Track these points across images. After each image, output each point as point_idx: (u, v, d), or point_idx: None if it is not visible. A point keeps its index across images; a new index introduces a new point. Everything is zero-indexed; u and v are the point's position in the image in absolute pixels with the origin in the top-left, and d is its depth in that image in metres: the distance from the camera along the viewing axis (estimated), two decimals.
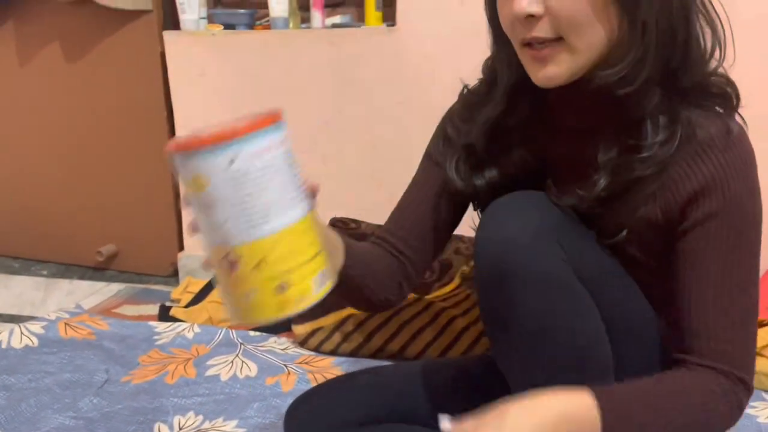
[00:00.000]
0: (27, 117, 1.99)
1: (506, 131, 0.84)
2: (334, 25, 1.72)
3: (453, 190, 0.88)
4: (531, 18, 0.71)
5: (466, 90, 0.90)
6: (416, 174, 0.94)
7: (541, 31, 0.71)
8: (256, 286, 0.56)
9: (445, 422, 0.69)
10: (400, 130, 1.68)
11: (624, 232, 0.77)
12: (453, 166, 0.87)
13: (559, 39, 0.72)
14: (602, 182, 0.76)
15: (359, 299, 0.89)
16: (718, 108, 0.76)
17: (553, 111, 0.82)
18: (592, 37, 0.71)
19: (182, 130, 1.82)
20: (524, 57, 0.76)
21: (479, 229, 0.78)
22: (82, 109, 1.93)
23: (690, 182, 0.73)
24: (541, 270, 0.73)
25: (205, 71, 1.76)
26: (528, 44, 0.74)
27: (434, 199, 0.91)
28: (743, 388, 0.74)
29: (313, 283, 0.58)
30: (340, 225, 1.63)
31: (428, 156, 0.93)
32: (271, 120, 0.56)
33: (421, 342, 1.37)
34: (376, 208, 1.60)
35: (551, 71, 0.73)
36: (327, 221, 1.63)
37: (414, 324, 1.37)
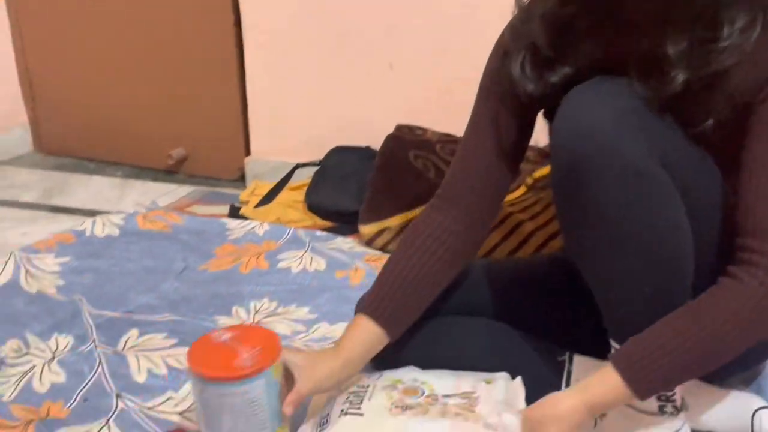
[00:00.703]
0: (99, 23, 2.02)
1: (569, 25, 0.79)
2: None
3: (521, 101, 0.84)
4: None
5: None
6: (472, 115, 0.90)
7: None
8: None
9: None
10: (467, 35, 1.64)
11: (710, 122, 0.74)
12: (519, 69, 0.83)
13: None
14: (680, 77, 0.71)
15: None
16: None
17: (621, 1, 0.78)
18: None
19: (250, 33, 1.83)
20: None
21: (557, 118, 0.76)
22: (153, 15, 1.95)
23: None
24: (624, 156, 0.71)
25: None
26: None
27: (495, 133, 0.87)
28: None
29: None
30: (405, 131, 1.63)
31: (483, 90, 0.89)
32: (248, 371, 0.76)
33: (487, 244, 1.38)
34: (443, 115, 1.60)
35: None
36: (393, 128, 1.63)
37: None
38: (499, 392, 0.84)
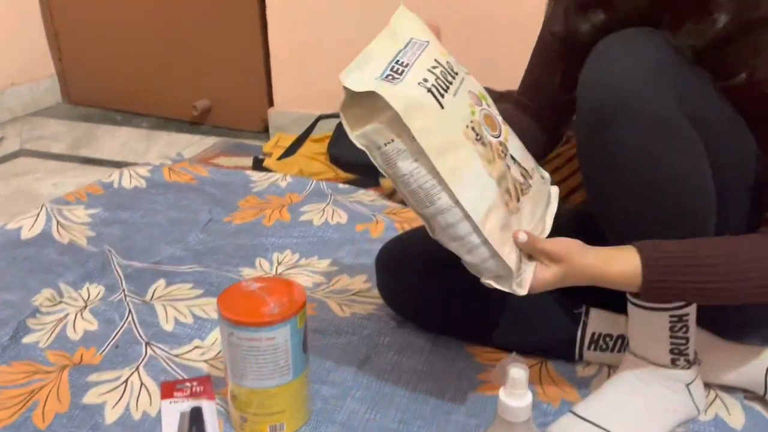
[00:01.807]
0: None
1: None
2: None
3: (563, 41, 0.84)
4: None
5: None
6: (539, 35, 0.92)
7: None
8: (234, 412, 0.85)
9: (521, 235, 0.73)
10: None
11: (743, 75, 0.73)
12: (553, 8, 0.84)
13: None
14: (722, 20, 0.71)
15: None
16: None
17: None
18: None
19: None
20: None
21: (586, 67, 0.75)
22: None
23: None
24: (652, 108, 0.70)
25: None
26: None
27: (552, 65, 0.90)
28: None
29: (269, 428, 0.83)
30: None
31: (545, 23, 0.90)
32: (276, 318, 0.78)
33: None
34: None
35: None
36: None
37: None
38: (544, 195, 0.81)
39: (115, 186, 1.51)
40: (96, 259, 1.21)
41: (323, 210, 1.42)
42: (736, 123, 0.76)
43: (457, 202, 0.69)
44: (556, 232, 1.00)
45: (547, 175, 0.85)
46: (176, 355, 0.98)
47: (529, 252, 0.74)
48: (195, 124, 2.08)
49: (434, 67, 0.71)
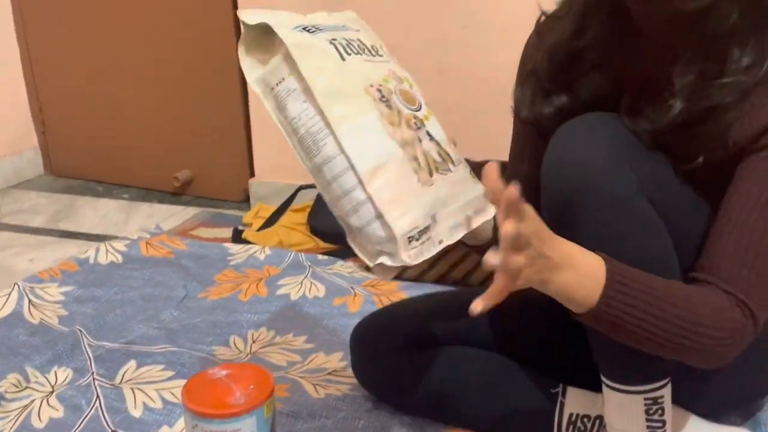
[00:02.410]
0: (107, 49, 2.05)
1: (577, 54, 0.81)
2: None
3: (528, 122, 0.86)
4: None
5: (543, 17, 0.87)
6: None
7: None
8: None
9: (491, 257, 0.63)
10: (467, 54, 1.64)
11: (700, 159, 0.74)
12: (520, 92, 0.86)
13: None
14: (678, 106, 0.72)
15: None
16: None
17: (632, 28, 0.78)
18: None
19: None
20: None
21: (548, 152, 0.77)
22: (158, 39, 1.97)
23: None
24: (613, 193, 0.72)
25: None
26: None
27: (523, 149, 0.91)
28: (752, 324, 0.70)
29: None
30: None
31: (514, 109, 0.91)
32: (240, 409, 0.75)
33: (484, 270, 1.37)
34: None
35: None
36: None
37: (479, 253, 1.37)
38: (471, 190, 0.76)
39: (91, 262, 1.49)
40: (66, 340, 1.19)
41: (301, 283, 1.41)
42: (697, 204, 0.77)
43: (342, 150, 0.68)
44: (530, 311, 1.00)
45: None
46: None
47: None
48: (176, 195, 2.09)
49: (352, 40, 0.73)
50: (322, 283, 1.41)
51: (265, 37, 0.71)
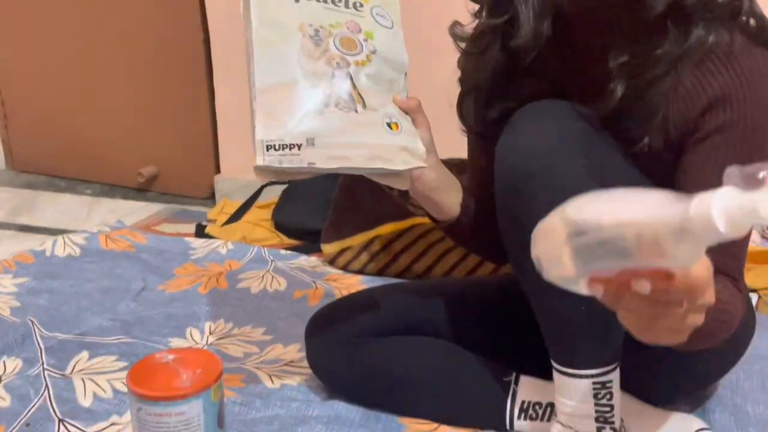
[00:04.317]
0: (70, 43, 2.02)
1: (514, 68, 0.81)
2: None
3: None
4: None
5: (457, 27, 0.87)
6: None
7: None
8: None
9: None
10: None
11: (646, 140, 0.75)
12: (465, 106, 0.87)
13: None
14: (619, 89, 0.74)
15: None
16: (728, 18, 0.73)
17: (570, 29, 0.79)
18: None
19: (219, 50, 1.83)
20: None
21: (500, 141, 0.78)
22: (123, 33, 1.95)
23: (704, 92, 0.72)
24: (562, 177, 0.72)
25: None
26: None
27: (475, 157, 0.93)
28: (742, 297, 0.75)
29: None
30: None
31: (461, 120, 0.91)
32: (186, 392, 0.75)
33: (446, 263, 1.38)
34: None
35: None
36: None
37: (440, 246, 1.38)
38: (379, 134, 0.82)
39: (47, 254, 1.46)
40: (17, 331, 1.16)
41: (262, 277, 1.40)
42: (645, 184, 0.77)
43: (254, 68, 0.80)
44: (485, 300, 1.01)
45: (416, 147, 0.84)
46: None
47: None
48: (141, 191, 2.06)
49: None
50: (283, 277, 1.40)
51: None
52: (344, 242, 1.44)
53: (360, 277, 1.41)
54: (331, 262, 1.47)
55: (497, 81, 0.83)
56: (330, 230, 1.47)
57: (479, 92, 0.85)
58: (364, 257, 1.43)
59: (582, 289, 0.54)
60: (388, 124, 0.82)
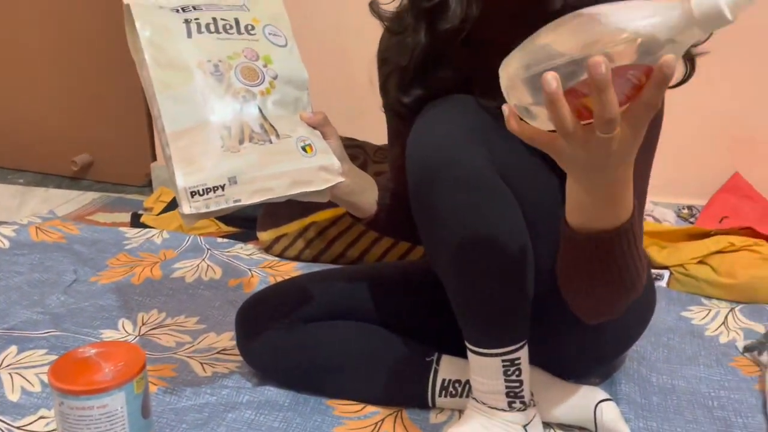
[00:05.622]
0: (1, 30, 1.96)
1: (434, 58, 0.84)
2: None
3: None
4: None
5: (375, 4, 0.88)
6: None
7: None
8: None
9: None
10: None
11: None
12: (384, 87, 0.89)
13: None
14: None
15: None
16: None
17: (479, 26, 0.82)
18: None
19: None
20: None
21: (410, 135, 0.81)
22: (54, 18, 1.90)
23: None
24: (465, 170, 0.76)
25: None
26: None
27: (399, 138, 0.92)
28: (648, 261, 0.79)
29: None
30: None
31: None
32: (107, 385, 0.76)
33: (379, 249, 1.41)
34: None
35: None
36: None
37: (373, 232, 1.40)
38: (294, 162, 0.83)
39: None
40: None
41: (197, 266, 1.41)
42: (547, 177, 0.82)
43: (160, 113, 0.79)
44: (409, 283, 1.04)
45: (331, 163, 0.85)
46: (19, 427, 0.93)
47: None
48: (75, 180, 2.02)
49: (218, 19, 0.84)
50: (219, 266, 1.41)
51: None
52: (280, 230, 1.46)
53: (295, 264, 1.43)
54: (268, 249, 1.49)
55: (417, 66, 0.85)
56: (266, 218, 1.49)
57: (398, 76, 0.87)
58: (300, 244, 1.45)
59: (540, 119, 0.59)
60: (303, 148, 0.84)
